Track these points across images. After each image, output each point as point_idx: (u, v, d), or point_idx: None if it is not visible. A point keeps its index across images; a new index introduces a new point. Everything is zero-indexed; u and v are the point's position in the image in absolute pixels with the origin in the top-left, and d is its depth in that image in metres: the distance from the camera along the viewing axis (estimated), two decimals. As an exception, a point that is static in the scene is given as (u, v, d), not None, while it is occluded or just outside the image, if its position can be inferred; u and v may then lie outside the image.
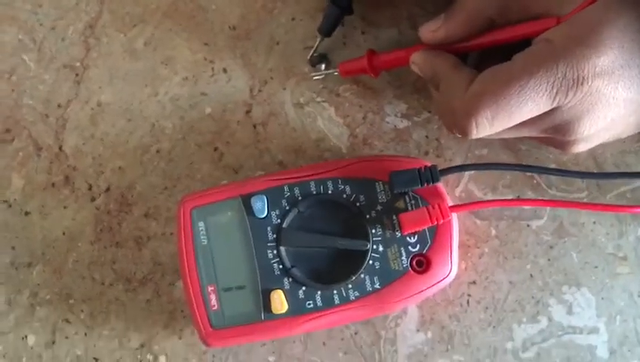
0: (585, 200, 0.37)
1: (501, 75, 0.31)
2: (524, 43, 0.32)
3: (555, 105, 0.30)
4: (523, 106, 0.30)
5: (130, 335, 0.38)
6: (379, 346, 0.37)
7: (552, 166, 0.37)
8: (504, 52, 0.32)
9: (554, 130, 0.32)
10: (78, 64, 0.41)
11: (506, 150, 0.38)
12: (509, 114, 0.30)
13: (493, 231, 0.37)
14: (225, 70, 0.40)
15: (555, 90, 0.29)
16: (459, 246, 0.35)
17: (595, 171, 0.37)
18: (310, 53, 0.39)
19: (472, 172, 0.38)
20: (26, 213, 0.40)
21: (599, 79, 0.29)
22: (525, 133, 0.33)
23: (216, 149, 0.39)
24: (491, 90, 0.30)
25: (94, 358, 0.38)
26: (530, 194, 0.37)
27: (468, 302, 0.37)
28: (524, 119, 0.31)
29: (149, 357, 0.38)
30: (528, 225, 0.37)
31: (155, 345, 0.38)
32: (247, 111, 0.40)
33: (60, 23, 0.41)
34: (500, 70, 0.31)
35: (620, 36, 0.29)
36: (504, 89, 0.30)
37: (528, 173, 0.37)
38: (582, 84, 0.29)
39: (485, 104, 0.30)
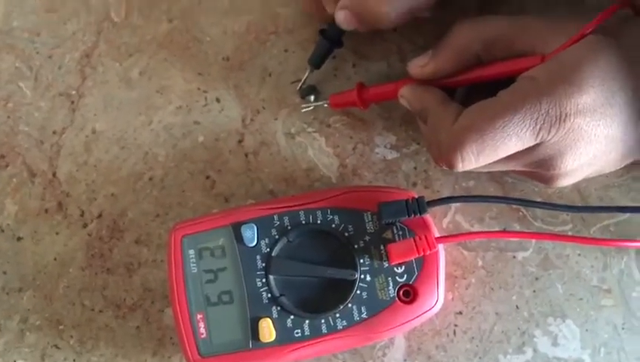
0: (570, 233, 0.37)
1: (486, 111, 0.31)
2: (511, 79, 0.33)
3: (538, 140, 0.31)
4: (507, 141, 0.31)
5: (119, 362, 0.39)
6: (366, 375, 0.37)
7: (538, 199, 0.37)
8: (491, 88, 0.33)
9: (538, 165, 0.33)
10: (73, 92, 0.42)
11: (492, 182, 0.38)
12: (494, 148, 0.31)
13: (480, 262, 0.38)
14: (218, 100, 0.41)
15: (538, 127, 0.30)
16: (446, 277, 0.36)
17: (580, 205, 0.37)
18: (299, 85, 0.39)
19: (460, 204, 0.38)
20: (19, 239, 0.40)
21: (581, 117, 0.30)
22: (510, 166, 0.34)
23: (208, 177, 0.40)
24: (477, 125, 0.31)
25: (82, 385, 0.39)
26: (516, 227, 0.38)
27: (454, 332, 0.37)
28: (508, 154, 0.31)
29: (137, 384, 0.38)
30: (514, 257, 0.38)
31: (143, 372, 0.38)
32: (240, 141, 0.40)
33: (56, 51, 0.42)
34: (485, 105, 0.32)
35: (602, 75, 0.30)
36: (489, 124, 0.31)
37: (514, 206, 0.38)
38: (564, 121, 0.30)
39: (471, 138, 0.31)
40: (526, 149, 0.31)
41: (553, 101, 0.30)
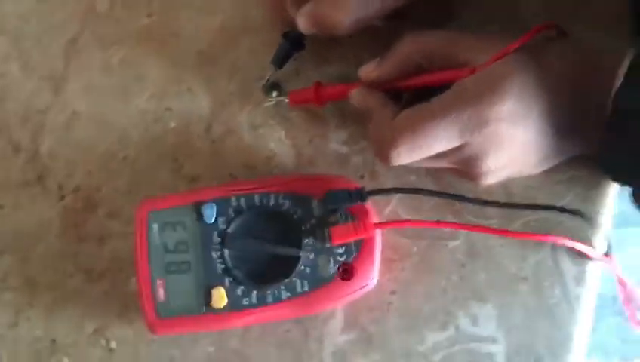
0: (495, 227, 0.42)
1: (420, 113, 0.36)
2: (447, 86, 0.37)
3: (462, 141, 0.35)
4: (436, 141, 0.35)
5: (86, 322, 0.43)
6: (307, 343, 0.42)
7: (469, 195, 0.42)
8: (432, 93, 0.38)
9: (463, 163, 0.37)
10: (57, 75, 0.46)
11: (430, 178, 0.43)
12: (425, 146, 0.36)
13: (415, 249, 0.42)
14: (190, 90, 0.45)
15: (463, 129, 0.35)
16: (384, 260, 0.41)
17: (505, 202, 0.42)
18: (263, 82, 0.44)
19: (401, 196, 0.43)
20: (0, 207, 0.44)
21: (500, 123, 0.35)
22: (440, 163, 0.38)
23: (176, 160, 0.44)
24: (410, 125, 0.36)
25: (52, 340, 0.43)
26: (449, 218, 0.43)
27: (388, 309, 0.42)
28: (437, 151, 0.36)
29: (102, 341, 0.43)
30: (445, 245, 0.42)
31: (107, 332, 0.43)
32: (207, 129, 0.44)
33: (44, 37, 0.46)
34: (419, 109, 0.36)
35: (520, 88, 0.35)
36: (421, 125, 0.35)
37: (449, 200, 0.42)
38: (486, 126, 0.35)
39: (405, 136, 0.36)
40: (452, 149, 0.36)
41: (477, 108, 0.35)
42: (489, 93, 0.35)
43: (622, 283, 0.42)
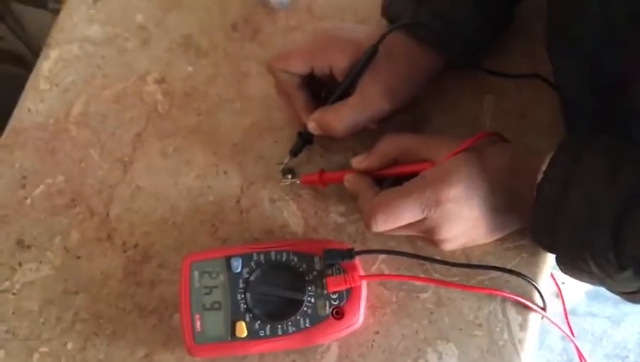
0: (457, 283, 0.54)
1: (392, 194, 0.49)
2: (416, 174, 0.50)
3: (424, 215, 0.48)
4: (403, 214, 0.48)
5: (139, 348, 0.55)
6: (308, 371, 0.53)
7: (437, 257, 0.54)
8: (407, 179, 0.51)
9: (426, 232, 0.50)
10: (126, 159, 0.60)
11: (407, 244, 0.55)
12: (395, 218, 0.48)
13: (394, 298, 0.54)
14: (225, 172, 0.59)
15: (423, 207, 0.48)
16: (369, 306, 0.53)
17: (465, 263, 0.54)
18: (282, 167, 0.58)
19: (384, 256, 0.55)
20: (78, 257, 0.58)
21: (451, 203, 0.47)
22: (409, 231, 0.51)
23: (213, 225, 0.58)
24: (385, 202, 0.49)
25: (112, 362, 0.55)
26: (421, 275, 0.55)
27: (372, 345, 0.53)
28: (405, 223, 0.49)
29: (150, 365, 0.55)
30: (418, 296, 0.54)
31: (155, 357, 0.55)
32: (237, 201, 0.58)
33: (117, 130, 0.61)
34: (392, 191, 0.49)
35: (466, 177, 0.48)
36: (393, 202, 0.48)
37: (420, 261, 0.55)
38: (440, 205, 0.47)
39: (380, 210, 0.48)
40: (417, 221, 0.49)
41: (433, 191, 0.48)
42: (442, 180, 0.48)
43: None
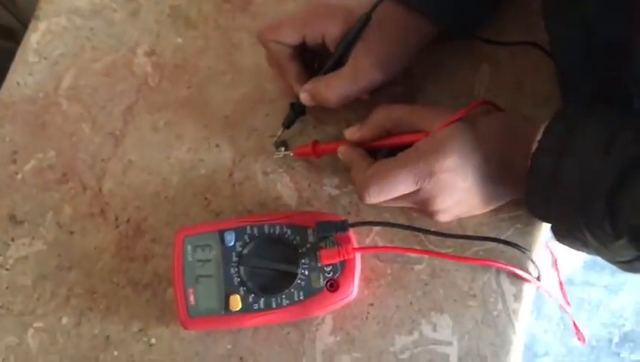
0: (451, 254, 0.54)
1: (386, 165, 0.48)
2: (409, 145, 0.50)
3: (417, 187, 0.48)
4: (397, 186, 0.48)
5: (133, 323, 0.55)
6: (303, 343, 0.53)
7: (432, 228, 0.54)
8: (401, 150, 0.50)
9: (420, 204, 0.49)
10: (118, 132, 0.60)
11: (402, 215, 0.55)
12: (389, 189, 0.48)
13: (389, 270, 0.54)
14: (217, 145, 0.58)
15: (417, 178, 0.47)
16: (363, 279, 0.53)
17: (460, 234, 0.54)
18: (275, 139, 0.57)
19: (378, 228, 0.55)
20: (71, 233, 0.57)
21: (445, 173, 0.47)
22: (403, 203, 0.50)
23: (206, 198, 0.57)
24: (378, 173, 0.48)
25: (106, 336, 0.55)
26: (416, 247, 0.54)
27: (367, 317, 0.53)
28: (399, 194, 0.48)
29: (145, 338, 0.55)
30: (412, 268, 0.54)
31: (149, 331, 0.55)
32: (230, 175, 0.58)
33: (108, 103, 0.60)
34: (386, 162, 0.49)
35: (460, 147, 0.47)
36: (386, 174, 0.48)
37: (415, 232, 0.54)
38: (434, 175, 0.47)
39: (374, 182, 0.48)
40: (410, 192, 0.48)
41: (427, 162, 0.47)
42: (436, 151, 0.47)
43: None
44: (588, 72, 0.52)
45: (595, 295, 1.49)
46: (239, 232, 0.52)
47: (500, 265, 0.53)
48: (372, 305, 0.54)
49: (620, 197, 0.41)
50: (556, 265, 0.86)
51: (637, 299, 1.49)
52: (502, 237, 0.53)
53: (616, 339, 1.47)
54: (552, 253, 0.92)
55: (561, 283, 0.65)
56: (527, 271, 0.53)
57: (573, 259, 1.49)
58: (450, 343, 0.52)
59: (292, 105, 0.56)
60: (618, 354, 1.46)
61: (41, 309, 0.55)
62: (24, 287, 0.56)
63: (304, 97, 0.53)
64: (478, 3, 0.56)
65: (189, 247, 0.52)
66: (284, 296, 0.51)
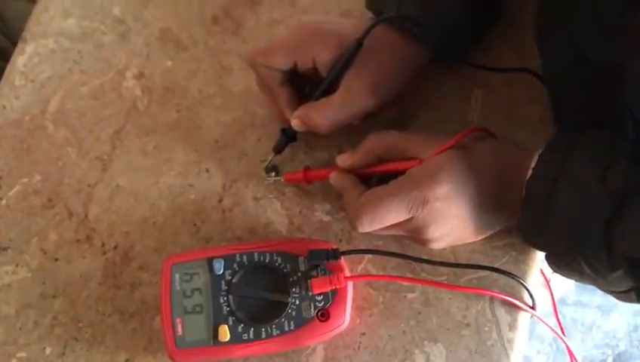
0: (444, 282, 0.53)
1: (378, 193, 0.48)
2: (402, 173, 0.49)
3: (410, 215, 0.47)
4: (389, 215, 0.47)
5: (120, 353, 0.53)
6: (293, 374, 0.52)
7: (425, 257, 0.53)
8: (394, 177, 0.49)
9: (413, 232, 0.49)
10: (105, 157, 0.58)
11: (395, 243, 0.54)
12: (381, 218, 0.47)
13: (381, 299, 0.53)
14: (207, 170, 0.57)
15: (410, 206, 0.46)
16: (355, 307, 0.51)
17: (453, 262, 0.53)
18: (265, 165, 0.56)
19: (370, 256, 0.54)
20: (56, 259, 0.56)
21: (438, 202, 0.46)
22: (396, 231, 0.49)
23: (195, 225, 0.56)
24: (370, 202, 0.47)
25: (91, 367, 0.53)
26: (408, 275, 0.53)
27: (359, 347, 0.52)
28: (391, 223, 0.47)
29: (131, 369, 0.53)
30: (405, 296, 0.53)
31: (136, 361, 0.53)
32: (220, 200, 0.57)
33: (96, 127, 0.59)
34: (378, 190, 0.48)
35: (453, 176, 0.47)
36: (379, 202, 0.47)
37: (408, 261, 0.53)
38: (427, 204, 0.46)
39: (366, 211, 0.47)
40: (403, 221, 0.47)
41: (420, 190, 0.46)
42: (430, 179, 0.47)
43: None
44: (580, 97, 0.51)
45: (588, 316, 1.48)
46: (228, 260, 0.51)
47: (494, 293, 0.52)
48: (364, 334, 0.53)
49: (615, 228, 0.40)
50: (549, 286, 0.86)
51: (629, 320, 1.48)
52: (496, 265, 0.53)
53: (609, 360, 1.46)
54: (543, 274, 0.91)
55: (555, 308, 0.64)
56: (521, 299, 0.52)
57: (566, 280, 1.48)
58: (443, 374, 0.51)
59: (283, 130, 0.55)
60: (612, 376, 1.45)
61: (24, 339, 0.54)
62: (7, 316, 0.54)
63: (295, 123, 0.53)
64: (471, 26, 0.55)
65: (177, 276, 0.51)
66: (274, 326, 0.49)
